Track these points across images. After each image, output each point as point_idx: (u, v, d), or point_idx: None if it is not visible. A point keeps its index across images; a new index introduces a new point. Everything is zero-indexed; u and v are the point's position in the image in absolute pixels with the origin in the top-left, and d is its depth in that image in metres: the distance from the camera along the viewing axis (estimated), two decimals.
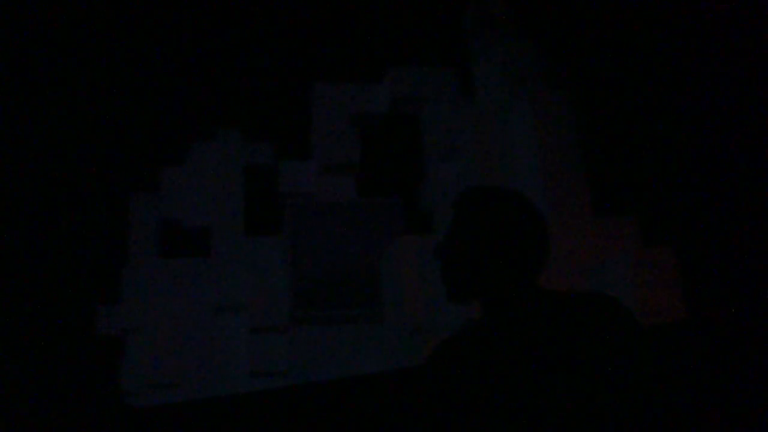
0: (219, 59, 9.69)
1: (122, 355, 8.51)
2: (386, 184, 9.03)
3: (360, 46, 9.52)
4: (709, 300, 6.61)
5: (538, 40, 8.30)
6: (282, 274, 8.43)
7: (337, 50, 9.56)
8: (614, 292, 6.36)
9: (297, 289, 8.07)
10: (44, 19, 8.94)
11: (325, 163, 8.88)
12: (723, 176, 7.08)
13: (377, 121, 9.27)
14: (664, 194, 7.41)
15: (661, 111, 7.71)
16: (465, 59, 8.87)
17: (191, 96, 9.76)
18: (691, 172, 7.40)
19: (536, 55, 8.20)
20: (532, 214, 1.64)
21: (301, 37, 9.65)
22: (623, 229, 7.03)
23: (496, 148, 7.85)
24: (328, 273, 8.15)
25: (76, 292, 8.32)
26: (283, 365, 8.11)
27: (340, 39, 9.56)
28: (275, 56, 9.72)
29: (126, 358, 8.41)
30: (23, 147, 9.08)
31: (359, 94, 9.26)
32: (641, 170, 7.66)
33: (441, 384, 1.63)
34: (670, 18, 7.71)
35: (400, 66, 9.11)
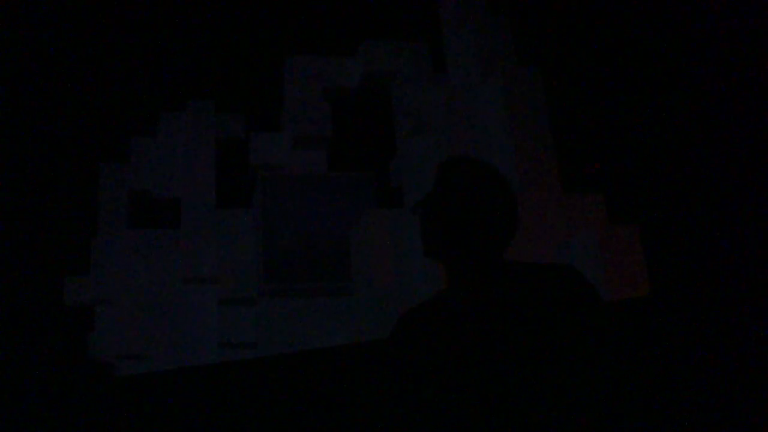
0: (190, 30, 9.61)
1: (91, 326, 8.50)
2: (358, 158, 9.06)
3: (333, 20, 9.49)
4: (673, 278, 6.74)
5: (510, 17, 8.33)
6: (252, 246, 8.45)
7: (310, 24, 9.52)
8: (580, 268, 6.47)
9: (267, 262, 8.09)
10: None
11: (297, 136, 8.88)
12: (688, 158, 7.19)
13: (349, 95, 9.27)
14: (631, 173, 7.51)
15: (630, 92, 7.79)
16: (437, 35, 8.89)
17: (162, 66, 9.68)
18: (656, 153, 7.50)
19: (508, 32, 8.24)
20: (508, 188, 1.69)
21: (274, 10, 9.59)
22: (590, 206, 7.13)
23: (467, 124, 7.90)
24: (298, 246, 8.19)
25: (45, 263, 8.27)
26: (252, 337, 8.15)
27: (314, 12, 9.52)
28: (248, 28, 9.66)
29: (95, 329, 8.40)
30: None
31: (332, 67, 9.24)
32: (608, 149, 7.75)
33: (405, 354, 1.67)
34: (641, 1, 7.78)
35: (372, 40, 9.10)
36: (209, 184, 8.92)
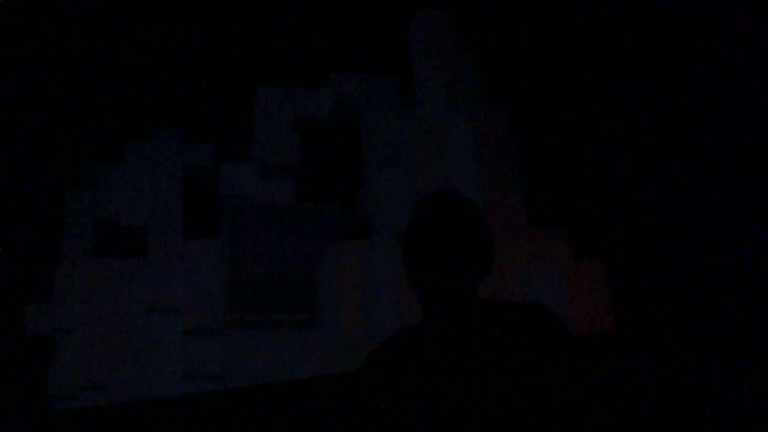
0: (160, 58, 9.61)
1: (52, 355, 8.36)
2: (326, 189, 9.07)
3: (305, 51, 9.55)
4: (636, 312, 6.81)
5: (479, 54, 8.45)
6: (219, 276, 8.40)
7: (281, 54, 9.57)
8: (545, 302, 6.51)
9: (233, 292, 8.05)
10: None
11: (266, 166, 8.88)
12: (652, 194, 7.30)
13: (319, 126, 9.31)
14: (595, 209, 7.61)
15: (596, 129, 7.92)
16: (407, 69, 8.98)
17: (130, 94, 9.65)
18: (621, 189, 7.62)
19: (477, 68, 8.35)
20: (486, 224, 1.72)
21: (245, 40, 9.62)
22: (555, 240, 7.21)
23: (435, 157, 7.97)
24: (265, 277, 8.15)
25: (7, 291, 8.15)
26: (217, 369, 8.07)
27: (285, 43, 9.57)
28: (218, 57, 9.67)
29: (56, 359, 8.27)
30: None
31: (302, 98, 9.28)
32: (573, 184, 7.86)
33: (379, 388, 1.68)
34: (607, 38, 7.93)
35: (343, 72, 9.17)
36: (176, 213, 8.87)
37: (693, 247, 6.67)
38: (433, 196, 1.75)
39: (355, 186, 8.86)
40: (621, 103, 7.73)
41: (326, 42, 9.35)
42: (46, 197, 9.21)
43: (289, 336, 7.94)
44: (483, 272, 1.71)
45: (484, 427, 1.53)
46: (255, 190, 8.95)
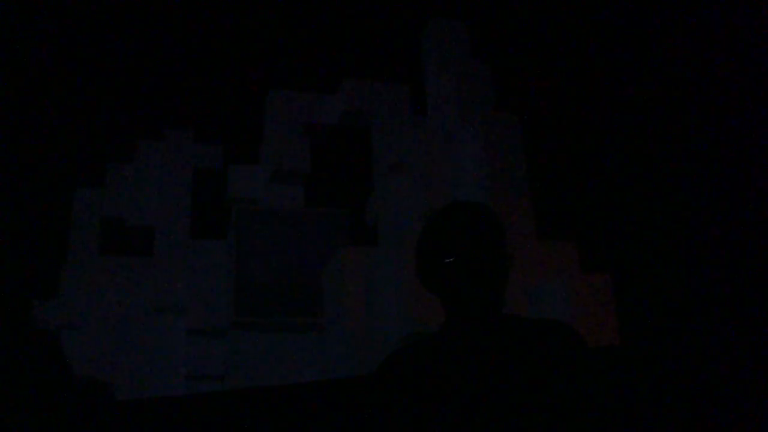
0: (172, 58, 9.65)
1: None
2: (334, 194, 9.09)
3: (316, 56, 9.58)
4: (642, 327, 6.81)
5: (492, 64, 8.48)
6: (224, 278, 8.41)
7: (293, 59, 9.60)
8: (551, 314, 6.52)
9: (239, 294, 8.06)
10: None
11: (275, 170, 8.90)
12: (662, 209, 7.31)
13: (329, 131, 9.33)
14: (604, 222, 7.62)
15: (607, 142, 7.93)
16: (419, 77, 9.01)
17: (142, 93, 9.69)
18: (630, 203, 7.62)
19: (489, 79, 8.37)
20: (503, 234, 1.72)
21: (257, 44, 9.66)
22: (563, 253, 7.21)
23: (444, 167, 7.98)
24: (271, 280, 8.16)
25: (14, 286, 8.17)
26: (220, 369, 8.08)
27: (297, 48, 9.61)
28: (231, 60, 9.71)
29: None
30: None
31: (312, 104, 9.31)
32: (583, 197, 7.87)
33: (387, 394, 1.68)
34: (621, 51, 7.96)
35: (354, 79, 9.19)
36: (184, 214, 8.89)
37: (702, 263, 6.68)
38: (464, 206, 1.75)
39: (363, 192, 8.88)
40: (633, 117, 7.75)
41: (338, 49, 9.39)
42: (55, 194, 9.24)
43: (293, 339, 7.94)
44: (502, 284, 1.72)
45: None
46: (263, 193, 8.98)
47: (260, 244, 8.31)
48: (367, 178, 8.76)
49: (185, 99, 9.65)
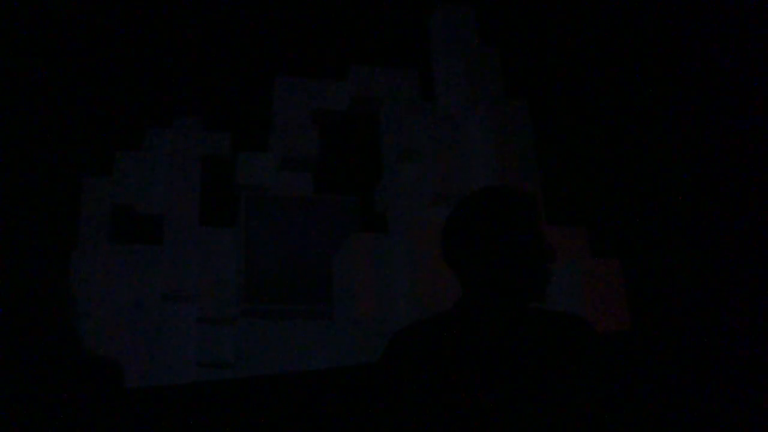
0: (180, 46, 9.63)
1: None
2: (343, 181, 9.07)
3: (324, 43, 9.55)
4: (653, 312, 6.79)
5: (501, 49, 8.42)
6: (234, 265, 8.42)
7: (301, 45, 9.57)
8: (561, 300, 6.50)
9: (248, 282, 8.06)
10: None
11: (284, 157, 8.89)
12: (673, 193, 7.27)
13: (337, 118, 9.31)
14: (615, 207, 7.58)
15: (616, 127, 7.89)
16: (427, 63, 8.96)
17: (150, 81, 9.68)
18: (641, 187, 7.58)
19: (498, 64, 8.32)
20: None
21: (265, 30, 9.63)
22: (573, 238, 7.18)
23: (454, 152, 7.95)
24: (280, 267, 8.17)
25: (24, 276, 8.17)
26: (230, 357, 8.10)
27: (305, 34, 9.58)
28: (238, 47, 9.69)
29: None
30: None
31: (321, 90, 9.28)
32: (592, 182, 7.83)
33: (405, 376, 1.66)
34: (630, 35, 7.90)
35: (362, 66, 9.16)
36: (193, 202, 8.89)
37: (712, 248, 6.64)
38: (507, 189, 1.72)
39: (372, 179, 8.87)
40: (642, 101, 7.70)
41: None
42: (64, 183, 9.25)
43: (303, 327, 7.95)
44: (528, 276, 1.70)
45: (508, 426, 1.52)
46: (272, 180, 8.97)
47: (269, 232, 8.31)
48: (376, 164, 8.73)
49: (194, 86, 9.64)
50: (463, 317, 1.68)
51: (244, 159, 9.18)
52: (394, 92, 8.94)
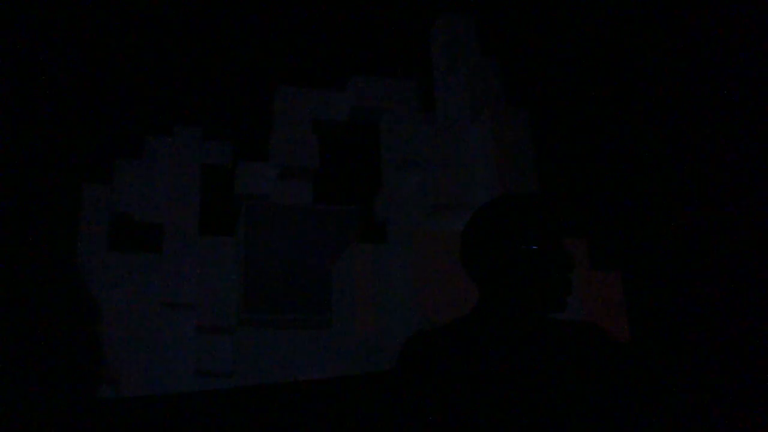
0: (181, 55, 9.64)
1: None
2: (343, 191, 9.07)
3: (325, 53, 9.56)
4: (652, 325, 6.77)
5: (502, 60, 8.43)
6: (233, 275, 8.40)
7: (301, 55, 9.59)
8: (561, 312, 6.46)
9: (247, 291, 8.05)
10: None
11: (284, 166, 8.89)
12: (672, 206, 7.26)
13: (337, 128, 9.31)
14: (614, 219, 7.58)
15: (618, 139, 7.89)
16: (428, 73, 8.97)
17: (151, 89, 9.68)
18: (641, 200, 7.58)
19: (499, 74, 8.32)
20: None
21: (265, 40, 9.65)
22: (573, 250, 7.16)
23: (454, 162, 7.94)
24: (279, 277, 8.15)
25: (24, 282, 8.17)
26: (229, 366, 8.08)
27: (305, 44, 9.59)
28: (239, 57, 9.70)
29: None
30: None
31: (321, 100, 9.29)
32: (593, 194, 7.82)
33: (417, 388, 1.64)
34: (631, 46, 7.91)
35: (362, 76, 9.17)
36: (193, 211, 8.89)
37: (712, 261, 6.63)
38: (524, 197, 1.72)
39: (372, 189, 8.86)
40: (644, 114, 7.70)
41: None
42: (63, 190, 9.25)
43: (301, 336, 7.93)
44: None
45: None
46: (272, 189, 8.97)
47: (269, 241, 8.30)
48: (377, 174, 8.73)
49: (194, 95, 9.65)
50: (481, 325, 1.67)
51: (243, 168, 9.18)
52: (394, 102, 8.95)
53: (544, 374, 1.55)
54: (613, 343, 1.61)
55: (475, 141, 7.94)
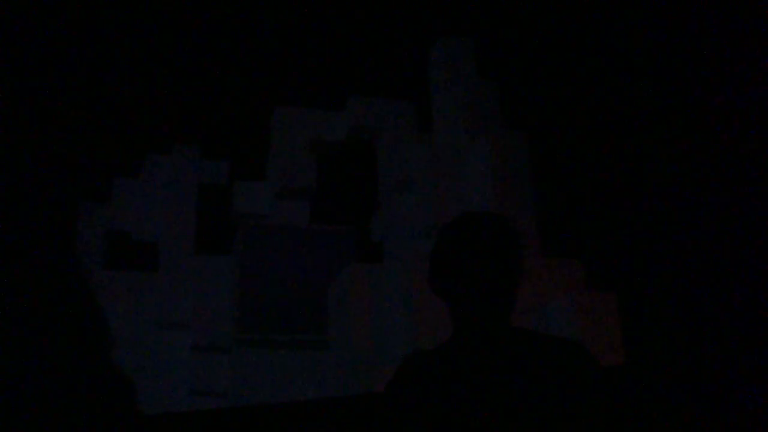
0: (180, 74, 9.68)
1: None
2: (340, 211, 9.08)
3: (323, 73, 9.61)
4: (647, 345, 6.78)
5: (499, 81, 8.49)
6: (229, 294, 8.40)
7: (299, 76, 9.63)
8: (557, 332, 6.49)
9: (243, 311, 8.04)
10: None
11: (281, 186, 8.91)
12: (667, 228, 7.30)
13: (335, 148, 9.34)
14: (610, 240, 7.60)
15: (613, 160, 7.93)
16: (425, 94, 9.02)
17: (149, 108, 9.71)
18: (636, 221, 7.61)
19: (497, 97, 8.38)
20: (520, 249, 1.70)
21: (264, 60, 9.70)
22: (569, 270, 7.19)
23: (451, 184, 7.98)
24: (275, 296, 8.15)
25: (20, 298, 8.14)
26: (224, 386, 8.05)
27: (303, 65, 9.64)
28: (237, 76, 9.74)
29: None
30: None
31: (319, 120, 9.32)
32: (589, 214, 7.85)
33: (405, 413, 1.66)
34: (627, 68, 7.97)
35: (360, 96, 9.21)
36: (189, 229, 8.89)
37: (707, 281, 6.65)
38: (481, 216, 1.75)
39: (369, 209, 8.88)
40: (640, 136, 7.75)
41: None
42: (60, 208, 9.24)
43: (297, 357, 7.91)
44: (512, 295, 1.70)
45: None
46: (269, 209, 8.98)
47: (265, 261, 8.31)
48: (373, 195, 8.75)
49: (192, 115, 9.68)
50: (460, 346, 1.69)
51: (241, 187, 9.19)
52: (391, 123, 8.99)
53: (526, 395, 1.56)
54: (593, 363, 1.62)
55: (472, 162, 7.98)
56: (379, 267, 7.70)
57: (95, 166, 9.35)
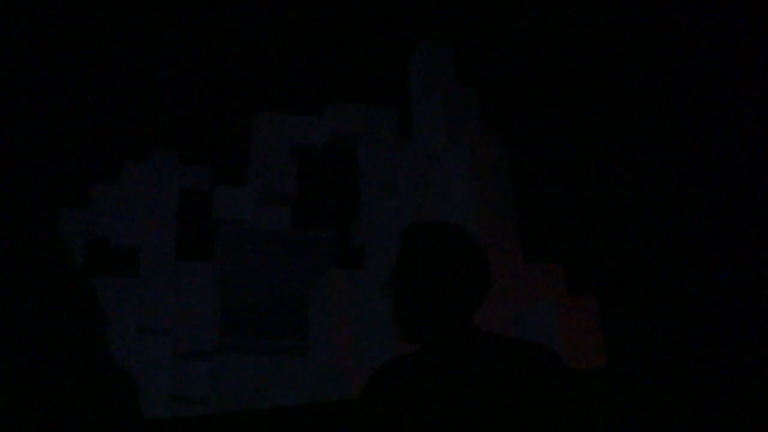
0: (159, 79, 9.64)
1: None
2: (321, 216, 9.07)
3: (303, 79, 9.61)
4: (628, 349, 6.81)
5: (479, 87, 8.52)
6: (210, 300, 8.36)
7: (279, 81, 9.62)
8: (538, 337, 6.50)
9: (224, 317, 8.01)
10: None
11: (261, 191, 8.89)
12: (648, 232, 7.34)
13: (315, 153, 9.33)
14: (591, 245, 7.64)
15: (594, 164, 7.97)
16: (405, 100, 9.03)
17: (128, 114, 9.66)
18: (617, 225, 7.65)
19: (476, 102, 8.41)
20: (477, 250, 1.70)
21: (244, 66, 9.68)
22: (550, 276, 7.21)
23: (431, 189, 7.99)
24: (256, 302, 8.12)
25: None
26: (204, 392, 8.01)
27: (284, 70, 9.63)
28: (217, 82, 9.72)
29: None
30: None
31: (299, 126, 9.31)
32: (570, 220, 7.89)
33: (377, 417, 1.65)
34: (607, 75, 8.02)
35: (340, 101, 9.22)
36: (170, 235, 8.85)
37: (688, 285, 6.70)
38: (425, 225, 1.75)
39: (350, 214, 8.88)
40: (620, 141, 7.79)
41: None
42: (40, 213, 9.17)
43: (278, 362, 7.88)
44: (478, 298, 1.70)
45: None
46: (249, 214, 8.96)
47: (246, 266, 8.27)
48: (354, 200, 8.75)
49: (172, 120, 9.63)
50: (430, 352, 1.69)
51: (221, 193, 9.16)
52: (372, 128, 9.00)
53: (495, 400, 1.56)
54: (561, 367, 1.62)
55: (453, 167, 7.99)
56: (361, 272, 7.70)
57: (74, 172, 9.28)
